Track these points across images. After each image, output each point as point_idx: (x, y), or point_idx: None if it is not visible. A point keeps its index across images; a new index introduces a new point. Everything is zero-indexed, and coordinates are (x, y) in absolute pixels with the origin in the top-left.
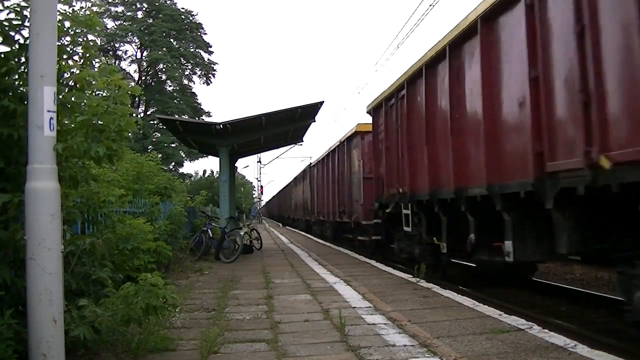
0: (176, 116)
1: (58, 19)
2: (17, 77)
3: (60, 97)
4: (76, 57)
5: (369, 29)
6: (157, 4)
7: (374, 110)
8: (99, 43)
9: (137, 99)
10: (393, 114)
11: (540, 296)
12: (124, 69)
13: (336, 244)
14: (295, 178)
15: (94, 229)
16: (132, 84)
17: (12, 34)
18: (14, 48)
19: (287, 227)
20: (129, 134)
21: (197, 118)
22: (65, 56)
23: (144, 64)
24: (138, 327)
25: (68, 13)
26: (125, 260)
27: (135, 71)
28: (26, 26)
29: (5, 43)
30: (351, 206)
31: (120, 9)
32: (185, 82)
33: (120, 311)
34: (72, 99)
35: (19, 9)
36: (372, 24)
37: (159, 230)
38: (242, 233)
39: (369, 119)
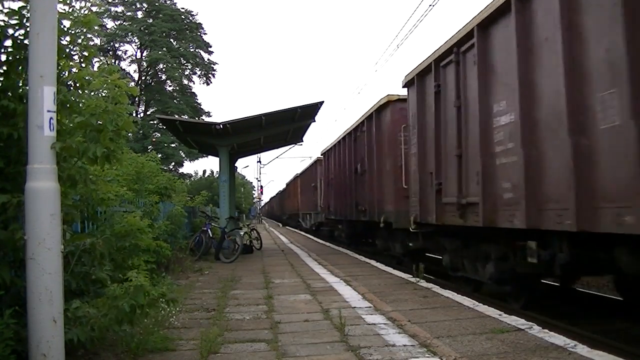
0: (176, 116)
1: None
2: (16, 76)
3: (60, 96)
4: (75, 57)
5: (369, 29)
6: (157, 4)
7: None
8: (98, 43)
9: (137, 99)
10: None
11: (540, 296)
12: (124, 69)
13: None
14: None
15: (93, 227)
16: (132, 83)
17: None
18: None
19: (287, 227)
20: (128, 134)
21: (197, 118)
22: (64, 56)
23: (144, 64)
24: (131, 327)
25: (67, 12)
26: (125, 259)
27: (135, 71)
28: (26, 25)
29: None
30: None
31: (120, 9)
32: (185, 82)
33: (111, 310)
34: (72, 98)
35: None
36: (372, 24)
37: (158, 230)
38: (242, 233)
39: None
